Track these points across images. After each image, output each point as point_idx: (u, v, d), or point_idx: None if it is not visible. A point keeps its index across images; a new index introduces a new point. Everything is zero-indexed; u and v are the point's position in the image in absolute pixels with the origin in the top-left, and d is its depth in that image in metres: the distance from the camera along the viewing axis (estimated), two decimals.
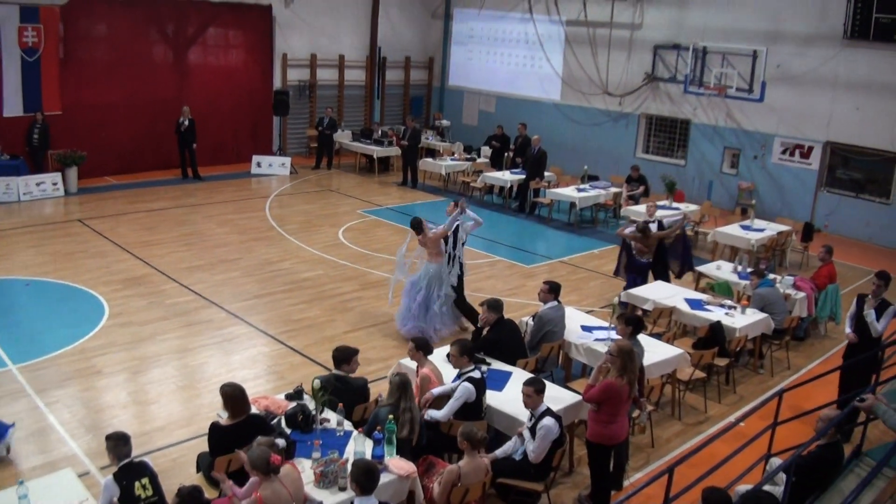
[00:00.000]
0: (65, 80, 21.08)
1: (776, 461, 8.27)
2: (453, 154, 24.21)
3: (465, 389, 8.22)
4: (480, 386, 8.37)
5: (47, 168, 20.65)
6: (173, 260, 15.25)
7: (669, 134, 23.17)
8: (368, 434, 7.43)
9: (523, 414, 8.16)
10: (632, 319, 9.29)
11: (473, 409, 8.27)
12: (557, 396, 8.60)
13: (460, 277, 12.43)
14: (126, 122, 22.45)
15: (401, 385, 7.80)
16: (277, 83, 25.49)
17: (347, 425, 7.89)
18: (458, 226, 12.27)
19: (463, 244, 12.49)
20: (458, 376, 8.51)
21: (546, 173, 21.23)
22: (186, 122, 22.03)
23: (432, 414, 8.23)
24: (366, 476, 6.37)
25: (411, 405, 7.84)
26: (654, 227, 14.01)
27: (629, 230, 13.73)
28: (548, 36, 25.31)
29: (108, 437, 6.75)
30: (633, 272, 13.65)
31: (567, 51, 24.90)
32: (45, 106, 20.68)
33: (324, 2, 25.97)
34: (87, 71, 21.68)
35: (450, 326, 12.48)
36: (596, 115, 24.34)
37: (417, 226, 12.18)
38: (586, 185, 20.03)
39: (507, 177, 21.20)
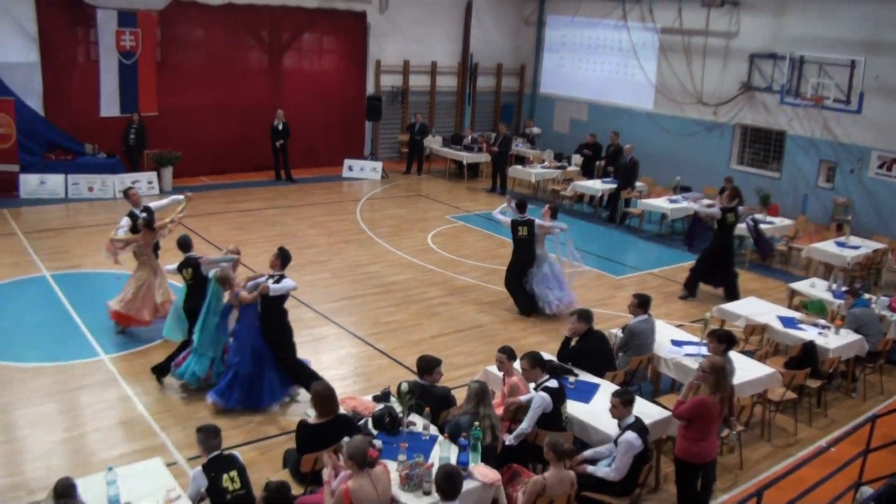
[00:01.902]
0: (161, 83, 21.72)
1: (867, 490, 8.00)
2: (543, 162, 24.05)
3: (541, 399, 8.11)
4: (558, 395, 8.25)
5: (143, 167, 21.27)
6: (264, 260, 15.20)
7: (764, 145, 22.63)
8: (452, 440, 7.41)
9: (610, 427, 8.04)
10: (725, 336, 9.10)
11: (552, 420, 8.15)
12: (645, 411, 8.42)
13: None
14: (220, 125, 22.95)
15: (479, 392, 7.78)
16: (370, 89, 25.72)
17: (433, 430, 7.89)
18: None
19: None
20: (535, 388, 8.41)
21: (637, 183, 20.94)
22: (281, 126, 22.40)
23: (513, 436, 8.14)
24: (448, 482, 6.34)
25: (490, 412, 7.79)
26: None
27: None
28: (642, 44, 24.98)
29: (199, 430, 6.86)
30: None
31: (661, 59, 24.53)
32: (142, 107, 21.33)
33: (418, 9, 26.12)
34: (184, 74, 22.27)
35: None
36: (689, 124, 23.94)
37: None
38: (678, 196, 19.71)
39: (597, 186, 20.97)
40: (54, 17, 20.20)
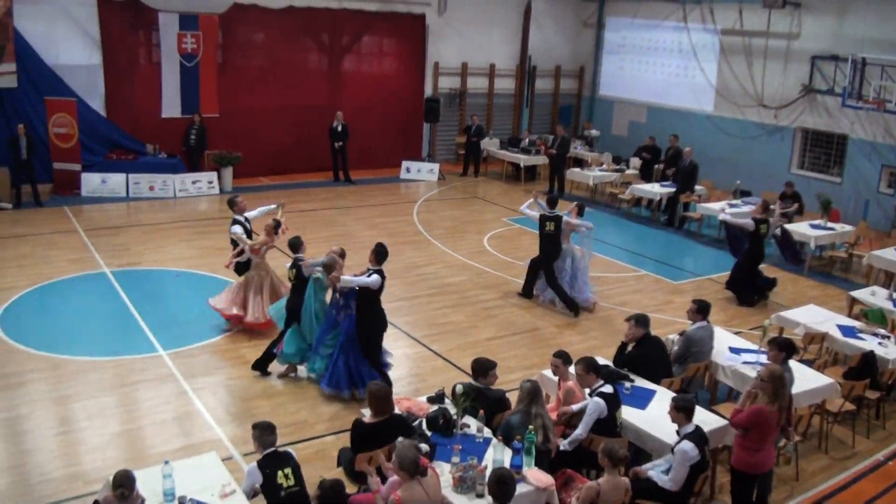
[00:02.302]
0: (222, 85, 22.00)
1: None
2: (602, 165, 23.88)
3: (596, 405, 8.01)
4: (613, 401, 8.15)
5: (203, 167, 21.58)
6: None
7: (825, 149, 22.18)
8: (506, 443, 7.36)
9: (665, 434, 7.95)
10: (785, 344, 8.95)
11: (607, 425, 8.05)
12: (702, 419, 8.21)
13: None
14: (280, 126, 23.16)
15: (531, 391, 7.76)
16: (429, 90, 25.77)
17: (487, 432, 7.86)
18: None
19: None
20: (590, 393, 8.32)
21: (697, 187, 20.69)
22: (339, 127, 22.54)
23: (567, 441, 8.07)
24: (501, 485, 6.31)
25: (542, 411, 7.76)
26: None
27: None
28: (702, 45, 24.63)
29: (255, 426, 6.91)
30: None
31: (721, 60, 24.18)
32: (203, 108, 21.64)
33: (476, 11, 26.09)
34: (244, 76, 22.55)
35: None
36: (750, 127, 23.55)
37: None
38: (738, 201, 19.40)
39: (656, 189, 20.74)
40: (116, 20, 20.60)
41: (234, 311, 11.93)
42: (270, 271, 12.29)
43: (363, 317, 10.16)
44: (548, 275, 14.02)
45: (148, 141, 21.15)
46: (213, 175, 21.18)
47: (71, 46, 20.25)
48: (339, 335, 10.26)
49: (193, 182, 20.76)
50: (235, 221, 12.44)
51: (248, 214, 12.84)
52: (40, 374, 10.58)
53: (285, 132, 23.27)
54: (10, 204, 18.68)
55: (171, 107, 21.56)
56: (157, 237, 16.90)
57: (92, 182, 20.00)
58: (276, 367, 10.90)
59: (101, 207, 19.15)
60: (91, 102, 20.50)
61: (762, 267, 15.25)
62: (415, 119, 25.58)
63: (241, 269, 12.31)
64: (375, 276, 9.98)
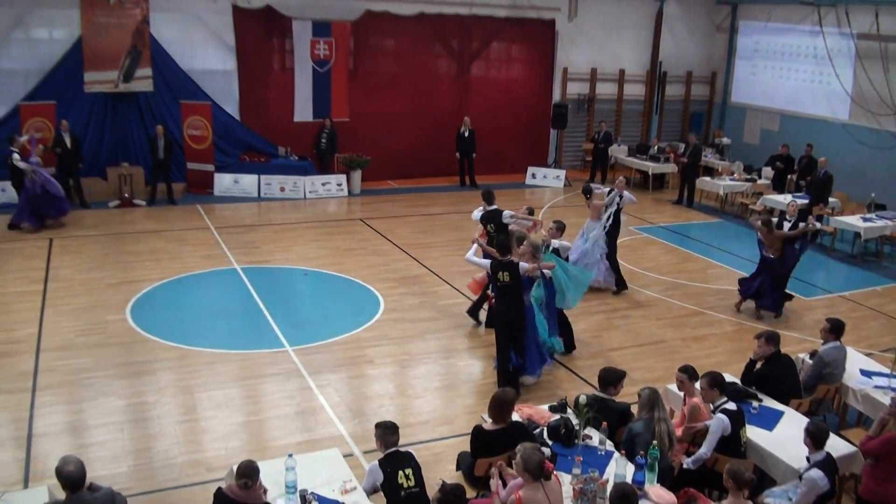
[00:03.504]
0: (353, 90, 22.39)
1: None
2: (732, 174, 23.14)
3: (720, 422, 7.69)
4: (736, 418, 7.81)
5: (333, 170, 22.00)
6: (446, 263, 15.56)
7: None
8: (629, 456, 7.15)
9: (793, 458, 7.59)
10: None
11: (731, 444, 7.72)
12: (829, 445, 7.65)
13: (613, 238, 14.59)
14: (408, 131, 23.41)
15: (651, 397, 7.54)
16: (556, 96, 25.59)
17: (609, 445, 7.64)
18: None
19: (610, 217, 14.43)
20: (713, 409, 7.99)
21: (830, 199, 19.81)
22: (466, 133, 22.60)
23: (691, 460, 7.78)
24: (623, 501, 6.10)
25: (664, 416, 7.52)
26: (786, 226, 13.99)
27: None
28: (837, 50, 23.49)
29: (378, 426, 6.89)
30: (760, 267, 13.88)
31: (857, 67, 23.16)
32: (334, 113, 22.11)
33: (607, 16, 25.75)
34: (374, 81, 22.87)
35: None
36: (886, 137, 22.35)
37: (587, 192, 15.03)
38: (873, 215, 18.52)
39: (787, 200, 19.91)
40: (251, 27, 21.24)
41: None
42: None
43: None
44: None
45: (280, 144, 21.67)
46: (343, 177, 21.51)
47: (206, 52, 21.05)
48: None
49: (323, 184, 21.14)
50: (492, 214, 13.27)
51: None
52: (169, 363, 10.88)
53: (413, 137, 23.50)
54: (145, 201, 19.39)
55: (303, 111, 22.11)
56: (286, 236, 17.22)
57: (224, 182, 20.58)
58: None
59: (233, 206, 19.68)
60: (225, 106, 21.18)
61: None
62: (542, 125, 25.41)
63: None
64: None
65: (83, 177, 19.02)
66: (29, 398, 9.74)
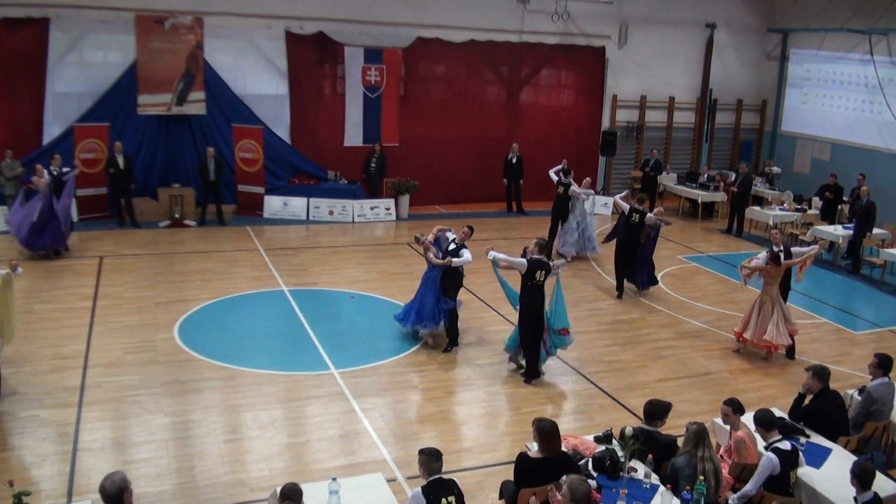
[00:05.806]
0: (403, 115, 22.63)
1: None
2: (782, 203, 22.85)
3: (769, 461, 7.51)
4: (789, 459, 7.62)
5: (381, 194, 22.13)
6: (491, 290, 15.44)
7: None
8: (674, 492, 7.05)
9: (840, 497, 7.41)
10: None
11: (779, 483, 7.54)
12: (877, 485, 7.47)
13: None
14: (456, 156, 23.59)
15: (698, 433, 7.41)
16: (606, 123, 25.55)
17: (655, 479, 7.54)
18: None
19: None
20: (766, 446, 7.84)
21: (878, 230, 19.33)
22: (515, 159, 22.64)
23: (737, 496, 7.63)
24: None
25: (711, 454, 7.39)
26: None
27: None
28: (888, 79, 23.15)
29: (422, 452, 6.85)
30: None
31: None
32: (384, 138, 22.38)
33: (657, 44, 25.69)
34: (424, 107, 23.10)
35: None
36: None
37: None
38: None
39: (838, 231, 19.58)
40: (303, 53, 21.58)
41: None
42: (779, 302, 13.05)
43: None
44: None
45: (330, 167, 21.89)
46: (391, 202, 21.68)
47: (259, 78, 21.41)
48: None
49: (372, 208, 21.30)
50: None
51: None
52: (215, 382, 10.98)
53: (461, 162, 23.66)
54: (195, 222, 19.67)
55: (353, 136, 22.39)
56: (334, 259, 17.33)
57: (274, 204, 20.79)
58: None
59: (282, 229, 19.86)
60: (276, 130, 21.47)
61: None
62: (591, 152, 25.36)
63: None
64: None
65: (135, 197, 19.35)
66: (75, 413, 9.88)
